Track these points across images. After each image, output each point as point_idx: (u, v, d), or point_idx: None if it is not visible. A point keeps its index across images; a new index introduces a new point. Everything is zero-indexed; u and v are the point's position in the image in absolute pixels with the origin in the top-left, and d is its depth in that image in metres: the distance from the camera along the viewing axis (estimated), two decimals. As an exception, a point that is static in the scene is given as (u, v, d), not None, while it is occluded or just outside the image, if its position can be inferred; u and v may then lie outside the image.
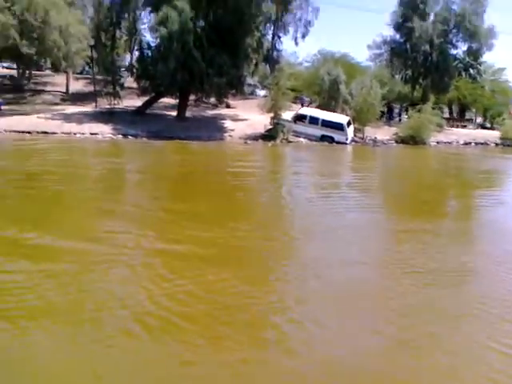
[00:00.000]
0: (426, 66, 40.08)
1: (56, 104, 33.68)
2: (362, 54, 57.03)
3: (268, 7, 30.71)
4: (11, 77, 38.34)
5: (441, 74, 39.66)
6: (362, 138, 31.86)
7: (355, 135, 31.49)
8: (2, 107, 29.53)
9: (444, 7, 40.50)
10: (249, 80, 47.54)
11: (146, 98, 31.47)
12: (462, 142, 35.42)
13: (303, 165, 22.02)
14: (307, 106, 38.95)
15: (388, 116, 42.52)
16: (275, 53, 47.64)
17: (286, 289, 7.36)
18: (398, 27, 40.67)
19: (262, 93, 47.69)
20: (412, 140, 32.23)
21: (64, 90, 37.06)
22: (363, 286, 7.41)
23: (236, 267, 7.74)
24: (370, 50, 44.78)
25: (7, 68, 44.57)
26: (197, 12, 28.33)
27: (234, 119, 32.84)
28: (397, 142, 32.69)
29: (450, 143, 34.82)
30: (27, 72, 38.88)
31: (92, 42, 31.93)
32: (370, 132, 32.74)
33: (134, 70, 31.70)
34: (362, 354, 5.51)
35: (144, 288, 6.75)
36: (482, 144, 35.56)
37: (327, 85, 34.18)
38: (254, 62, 42.65)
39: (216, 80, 27.42)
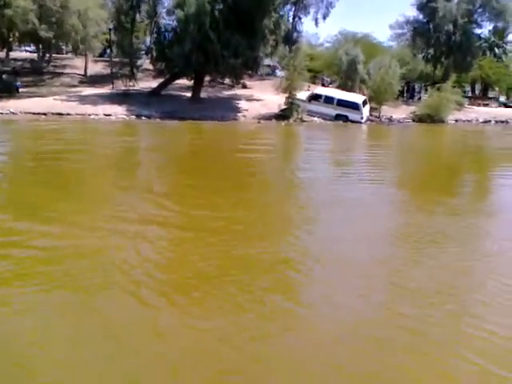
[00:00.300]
0: (449, 46, 39.00)
1: (74, 86, 33.93)
2: (382, 34, 55.85)
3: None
4: (31, 60, 38.77)
5: (463, 54, 38.61)
6: (378, 117, 31.33)
7: (371, 114, 30.99)
8: (20, 89, 29.95)
9: (471, -13, 39.22)
10: (268, 61, 47.32)
11: (161, 80, 31.46)
12: (481, 120, 34.52)
13: (314, 142, 21.80)
14: (327, 86, 38.50)
15: (409, 95, 41.76)
16: (295, 34, 47.09)
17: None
18: (421, 7, 39.63)
19: (281, 73, 47.41)
20: (429, 118, 31.50)
21: (82, 73, 37.30)
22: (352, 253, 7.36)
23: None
24: (391, 30, 43.85)
25: (31, 52, 45.13)
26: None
27: (249, 99, 32.57)
28: (414, 120, 32.08)
29: (469, 121, 33.96)
30: (47, 55, 39.28)
31: (111, 26, 32.11)
32: (388, 111, 32.20)
33: (153, 53, 31.66)
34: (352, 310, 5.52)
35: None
36: (502, 122, 34.48)
37: (345, 65, 33.62)
38: (274, 42, 42.20)
39: (231, 61, 27.15)
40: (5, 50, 39.06)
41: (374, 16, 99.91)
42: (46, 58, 39.26)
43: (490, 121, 34.53)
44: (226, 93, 35.22)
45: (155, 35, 29.45)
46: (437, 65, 40.93)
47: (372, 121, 30.50)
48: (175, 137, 21.60)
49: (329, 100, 29.41)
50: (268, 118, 28.41)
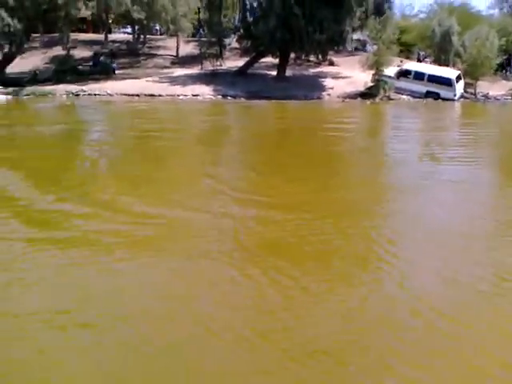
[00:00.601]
0: (557, 12, 35.43)
1: (166, 67, 35.09)
2: (481, 2, 51.86)
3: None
4: (128, 42, 40.55)
5: None
6: (474, 94, 29.24)
7: (465, 91, 29.02)
8: (116, 71, 31.62)
9: None
10: (357, 35, 46.17)
11: (247, 59, 31.59)
12: None
13: (401, 121, 21.16)
14: (423, 61, 36.64)
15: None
16: (386, 4, 45.06)
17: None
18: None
19: (372, 48, 45.98)
20: (531, 94, 29.04)
21: (174, 54, 38.42)
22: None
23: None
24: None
25: (129, 34, 47.16)
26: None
27: (335, 77, 31.83)
28: (513, 97, 29.69)
29: None
30: (142, 37, 40.90)
31: (199, 5, 32.72)
32: (484, 87, 29.93)
33: (240, 31, 31.78)
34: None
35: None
36: None
37: (438, 37, 31.68)
38: (363, 15, 40.86)
39: (316, 37, 26.60)
40: (103, 33, 41.08)
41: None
42: (141, 40, 40.92)
43: None
44: (312, 70, 34.58)
45: (241, 13, 29.41)
46: (544, 35, 37.29)
47: (466, 98, 28.53)
48: (256, 117, 21.91)
49: (419, 76, 27.91)
50: (353, 96, 27.63)
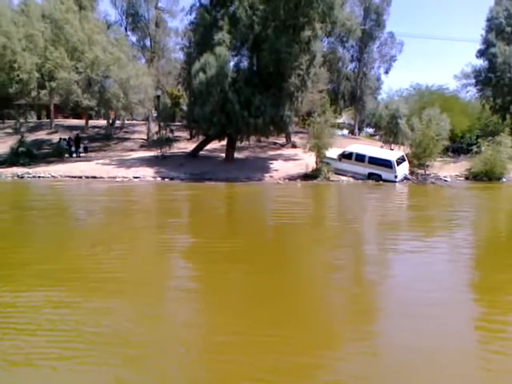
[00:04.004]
0: (515, 93, 34.06)
1: (133, 150, 34.84)
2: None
3: (316, 46, 27.92)
4: (106, 127, 40.91)
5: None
6: (423, 175, 27.38)
7: (412, 172, 27.29)
8: (83, 154, 31.56)
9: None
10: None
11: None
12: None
13: (321, 209, 19.35)
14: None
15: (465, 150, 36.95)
16: (358, 91, 45.01)
17: None
18: (481, 54, 35.68)
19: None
20: (486, 176, 27.05)
21: (146, 137, 38.42)
22: None
23: None
24: (457, 81, 39.65)
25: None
26: (241, 55, 27.95)
27: (287, 159, 30.69)
28: (467, 178, 27.72)
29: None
30: (117, 122, 41.31)
31: (159, 92, 32.90)
32: (437, 168, 28.21)
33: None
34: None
35: None
36: None
37: (385, 120, 30.55)
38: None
39: (251, 121, 25.79)
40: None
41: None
42: (117, 125, 41.27)
43: None
44: (271, 153, 33.65)
45: (189, 99, 29.02)
46: (505, 115, 35.78)
47: (409, 179, 26.68)
48: (165, 198, 20.59)
49: (360, 158, 26.39)
50: (295, 178, 26.32)
